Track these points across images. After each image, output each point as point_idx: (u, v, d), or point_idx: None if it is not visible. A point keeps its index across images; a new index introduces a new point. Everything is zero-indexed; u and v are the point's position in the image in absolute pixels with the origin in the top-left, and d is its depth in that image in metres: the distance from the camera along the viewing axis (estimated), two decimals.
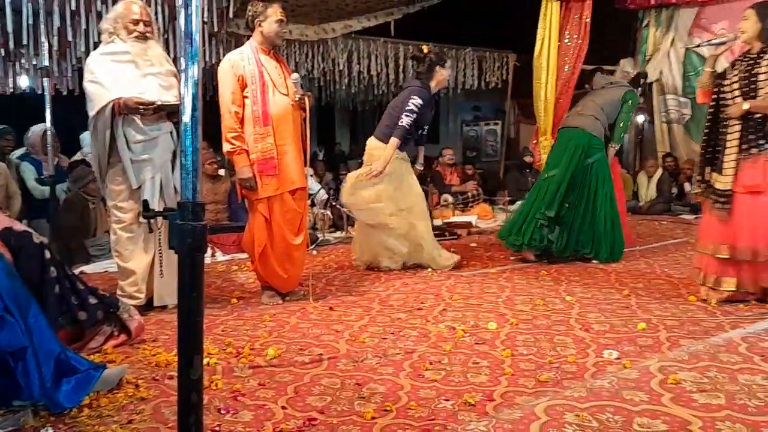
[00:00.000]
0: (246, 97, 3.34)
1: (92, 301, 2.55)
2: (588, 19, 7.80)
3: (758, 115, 3.08)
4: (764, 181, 3.06)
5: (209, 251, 5.03)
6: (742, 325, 2.83)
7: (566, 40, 7.96)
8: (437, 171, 7.96)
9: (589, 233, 4.56)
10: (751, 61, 3.15)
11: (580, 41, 7.91)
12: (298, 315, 3.21)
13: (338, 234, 6.31)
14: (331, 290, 3.81)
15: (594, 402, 2.00)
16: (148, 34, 3.30)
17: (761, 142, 3.08)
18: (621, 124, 4.80)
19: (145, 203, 2.92)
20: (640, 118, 9.43)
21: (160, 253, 3.29)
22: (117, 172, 3.24)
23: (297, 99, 3.42)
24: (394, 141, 4.20)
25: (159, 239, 3.30)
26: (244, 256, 5.04)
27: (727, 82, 3.23)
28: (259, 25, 3.39)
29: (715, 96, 3.28)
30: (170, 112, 3.27)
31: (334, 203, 6.83)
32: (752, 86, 3.11)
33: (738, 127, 3.15)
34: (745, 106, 3.10)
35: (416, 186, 4.46)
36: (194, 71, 1.35)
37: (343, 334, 2.84)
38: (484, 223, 6.99)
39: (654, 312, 3.10)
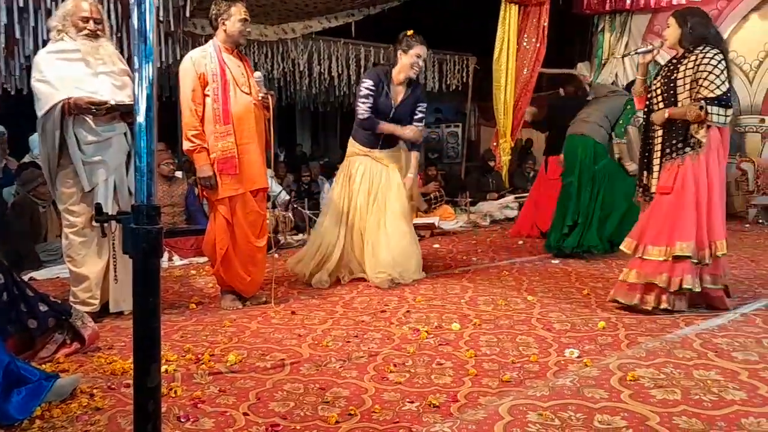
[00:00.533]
0: (207, 95, 3.29)
1: (42, 308, 2.46)
2: (546, 24, 7.97)
3: (680, 121, 3.12)
4: (674, 183, 3.09)
5: (166, 255, 4.91)
6: (696, 321, 2.91)
7: (525, 44, 8.11)
8: None
9: (601, 231, 4.82)
10: (672, 67, 3.20)
11: (538, 45, 8.08)
12: (259, 320, 3.16)
13: (300, 236, 6.25)
14: (293, 294, 3.76)
15: (556, 401, 2.02)
16: (99, 32, 3.20)
17: (680, 146, 3.11)
18: (620, 121, 5.15)
19: (98, 206, 2.78)
20: None
21: (114, 257, 3.18)
22: (68, 175, 3.12)
23: (260, 98, 3.37)
24: (352, 134, 4.21)
25: (113, 243, 3.19)
26: (203, 260, 4.94)
27: (653, 88, 3.28)
28: (223, 23, 3.34)
29: (648, 102, 3.35)
30: (124, 113, 3.17)
31: (295, 205, 6.77)
32: (671, 92, 3.16)
33: (661, 133, 3.22)
34: (666, 113, 3.16)
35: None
36: (149, 71, 1.30)
37: (305, 338, 2.81)
38: (446, 224, 7.04)
39: (613, 311, 3.16)
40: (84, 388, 2.17)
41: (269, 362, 2.48)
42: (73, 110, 3.01)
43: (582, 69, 8.89)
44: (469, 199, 7.63)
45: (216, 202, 3.34)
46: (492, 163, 8.41)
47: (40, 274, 4.40)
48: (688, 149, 3.07)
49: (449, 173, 9.78)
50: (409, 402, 2.04)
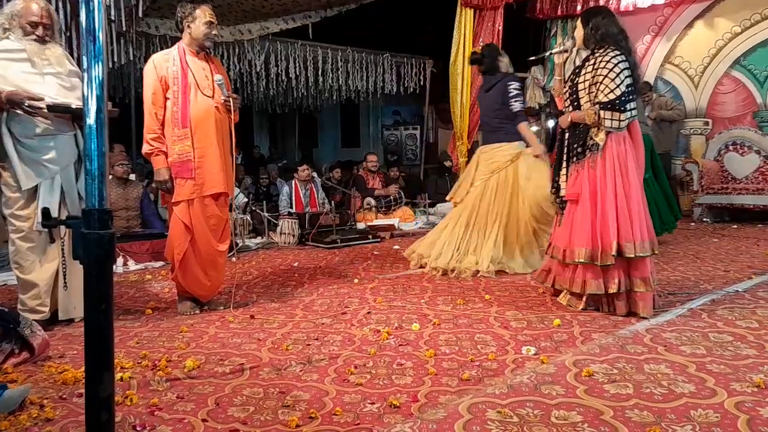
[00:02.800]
0: (168, 98, 3.25)
1: None
2: (500, 27, 8.12)
3: (582, 125, 3.16)
4: (579, 189, 3.14)
5: (120, 260, 4.79)
6: (645, 316, 3.01)
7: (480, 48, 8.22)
8: (359, 175, 7.99)
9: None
10: (578, 70, 3.23)
11: None
12: (217, 324, 3.11)
13: (259, 239, 6.19)
14: (252, 298, 3.72)
15: (514, 398, 2.06)
16: (47, 38, 3.08)
17: (580, 150, 3.17)
18: None
19: (45, 211, 2.70)
20: (550, 123, 9.91)
21: (64, 263, 3.08)
22: (12, 178, 3.00)
23: (222, 101, 3.33)
24: (524, 124, 4.41)
25: (62, 249, 3.09)
26: (159, 264, 4.85)
27: (564, 90, 3.31)
28: (188, 26, 3.30)
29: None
30: (76, 116, 3.07)
31: (254, 208, 6.69)
32: (575, 95, 3.21)
33: (567, 136, 3.27)
34: (569, 117, 3.23)
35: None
36: (98, 71, 1.27)
37: (265, 342, 2.78)
38: (406, 225, 7.09)
39: (568, 308, 3.24)
40: (34, 399, 2.09)
41: (228, 367, 2.45)
42: (4, 105, 2.88)
43: (536, 72, 9.12)
44: (428, 201, 7.70)
45: (173, 205, 3.29)
46: (449, 164, 8.51)
47: None
48: (588, 153, 3.11)
49: (409, 175, 9.85)
50: (370, 403, 2.05)
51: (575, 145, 3.21)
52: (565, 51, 3.38)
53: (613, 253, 2.98)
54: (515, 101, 4.39)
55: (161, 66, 3.25)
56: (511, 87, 4.43)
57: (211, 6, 3.37)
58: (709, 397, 2.02)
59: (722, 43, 7.35)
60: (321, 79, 8.82)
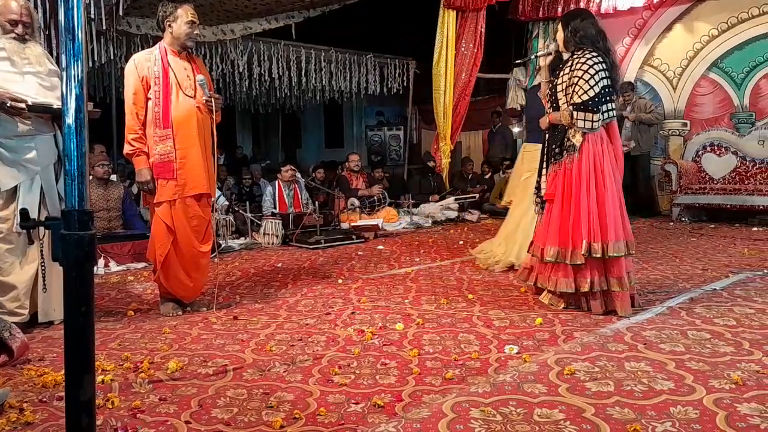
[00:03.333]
0: (150, 98, 3.23)
1: None
2: (483, 29, 8.17)
3: (560, 126, 3.19)
4: (556, 190, 3.19)
5: (102, 261, 4.73)
6: (623, 316, 3.04)
7: (463, 49, 8.29)
8: (343, 176, 7.98)
9: None
10: (559, 72, 3.26)
11: (476, 50, 8.28)
12: (200, 326, 3.09)
13: (242, 240, 6.15)
14: (235, 298, 3.70)
15: (497, 396, 2.08)
16: (26, 36, 3.04)
17: (557, 151, 3.21)
18: None
19: (24, 212, 2.65)
20: (516, 129, 10.08)
21: (43, 265, 3.04)
22: None
23: (204, 101, 3.31)
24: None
25: (41, 250, 3.04)
26: (141, 265, 4.80)
27: (546, 92, 3.35)
28: (169, 26, 3.28)
29: None
30: (56, 116, 3.03)
31: (236, 209, 6.65)
32: (554, 97, 3.25)
33: (547, 137, 3.32)
34: (547, 119, 3.27)
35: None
36: (78, 70, 1.26)
37: (248, 343, 2.77)
38: (390, 225, 7.09)
39: (549, 307, 3.27)
40: (13, 403, 2.06)
41: (211, 368, 2.44)
42: None
43: (517, 74, 9.18)
44: (412, 201, 7.71)
45: (155, 205, 3.27)
46: (432, 165, 8.54)
47: None
48: (565, 153, 3.15)
49: (392, 175, 9.87)
50: (354, 403, 2.05)
51: (553, 146, 3.26)
52: (549, 54, 3.42)
53: (583, 252, 3.02)
54: None
55: (143, 66, 3.22)
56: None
57: (193, 5, 3.35)
58: (688, 394, 2.06)
59: (700, 45, 7.47)
60: (304, 80, 8.80)
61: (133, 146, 3.22)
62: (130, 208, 5.48)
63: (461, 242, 5.95)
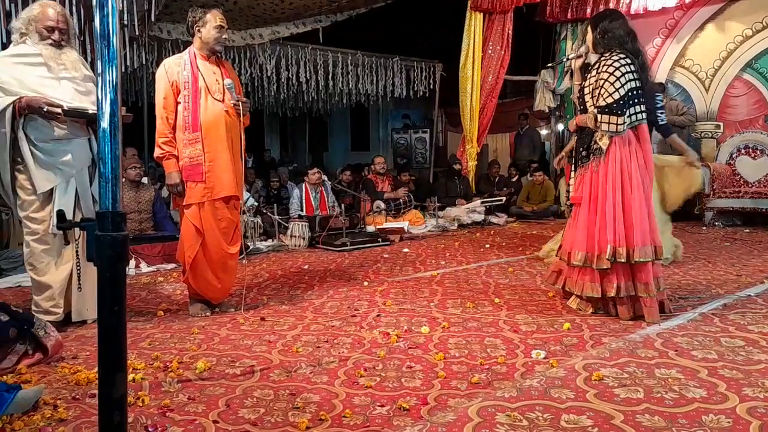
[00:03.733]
0: (179, 102, 3.29)
1: (3, 318, 2.39)
2: (510, 31, 8.12)
3: (587, 129, 3.15)
4: (582, 193, 3.15)
5: (133, 262, 4.83)
6: (651, 322, 2.99)
7: (490, 51, 8.25)
8: (369, 179, 8.00)
9: None
10: (588, 74, 3.21)
11: (503, 52, 8.23)
12: (228, 326, 3.13)
13: (270, 242, 6.21)
14: (262, 300, 3.74)
15: (524, 401, 2.06)
16: (63, 42, 3.13)
17: (584, 154, 3.17)
18: None
19: (60, 213, 2.72)
20: (560, 127, 9.92)
21: (78, 265, 3.12)
22: (26, 181, 3.04)
23: (232, 105, 3.36)
24: (674, 135, 4.55)
25: (77, 251, 3.12)
26: (171, 266, 4.89)
27: (576, 94, 3.31)
28: (198, 31, 3.34)
29: None
30: (91, 121, 3.11)
31: (264, 211, 6.73)
32: (582, 99, 3.20)
33: (574, 141, 3.29)
34: (573, 122, 3.23)
35: None
36: (112, 75, 1.29)
37: (275, 344, 2.79)
38: (415, 228, 7.09)
39: (578, 312, 3.23)
40: (47, 400, 2.12)
41: (239, 369, 2.47)
42: (24, 110, 2.92)
43: (545, 76, 9.10)
44: (438, 204, 7.70)
45: (184, 208, 3.33)
46: (458, 168, 8.51)
47: (1, 283, 4.28)
48: (592, 156, 3.11)
49: (418, 178, 9.87)
50: (379, 406, 2.05)
51: (581, 149, 3.22)
52: (580, 56, 3.38)
53: (608, 257, 2.98)
54: (661, 113, 4.45)
55: (173, 71, 3.29)
56: (658, 99, 4.46)
57: (222, 10, 3.41)
58: (720, 402, 2.01)
59: (733, 46, 7.30)
60: (331, 83, 8.86)
61: (163, 150, 3.29)
62: (160, 210, 5.58)
63: (487, 246, 5.91)
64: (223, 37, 3.38)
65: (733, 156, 7.27)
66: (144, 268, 4.88)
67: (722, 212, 6.99)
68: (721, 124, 7.47)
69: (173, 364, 2.49)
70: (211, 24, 3.31)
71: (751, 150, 7.14)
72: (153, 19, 5.52)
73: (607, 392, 2.12)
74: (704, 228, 6.78)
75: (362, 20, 7.90)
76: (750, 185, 7.03)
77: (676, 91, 7.78)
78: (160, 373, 2.42)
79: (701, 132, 7.62)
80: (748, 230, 6.50)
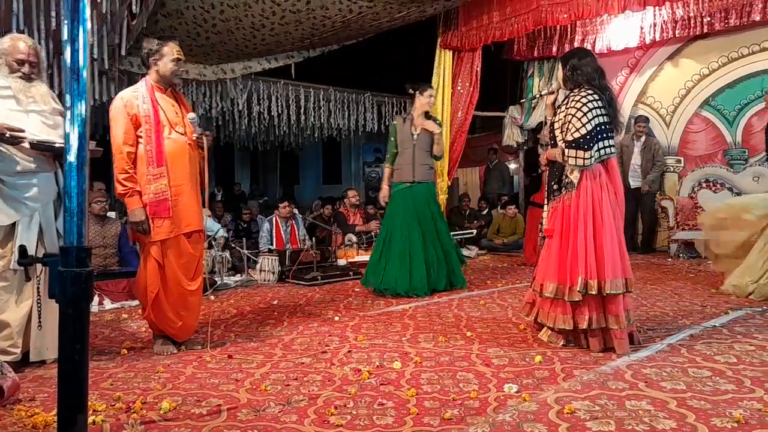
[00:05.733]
0: (140, 136, 3.22)
1: None
2: (479, 69, 8.31)
3: (558, 163, 3.23)
4: (555, 226, 3.21)
5: (96, 299, 4.69)
6: (621, 354, 3.01)
7: (459, 88, 8.42)
8: (340, 212, 8.00)
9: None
10: (558, 110, 3.32)
11: (472, 89, 8.40)
12: (194, 364, 3.05)
13: (238, 277, 6.12)
14: (230, 337, 3.66)
15: None
16: (33, 76, 3.09)
17: (556, 187, 3.25)
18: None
19: (22, 249, 2.64)
20: (513, 166, 10.18)
21: (39, 303, 3.01)
22: None
23: (195, 138, 3.33)
24: None
25: (38, 288, 3.02)
26: (135, 303, 4.76)
27: (547, 130, 3.41)
28: (155, 63, 3.29)
29: None
30: (58, 154, 3.05)
31: (233, 245, 6.64)
32: (553, 134, 3.31)
33: (547, 174, 3.37)
34: (544, 156, 3.32)
35: None
36: (81, 109, 1.28)
37: (243, 382, 2.73)
38: None
39: (549, 344, 3.24)
40: None
41: (205, 409, 2.39)
42: None
43: (513, 112, 9.32)
44: None
45: (148, 244, 3.24)
46: None
47: None
48: (564, 190, 3.19)
49: None
50: None
51: (552, 183, 3.28)
52: (552, 92, 3.50)
53: (579, 289, 3.01)
54: None
55: (131, 104, 3.20)
56: None
57: (178, 42, 3.36)
58: None
59: (691, 84, 7.61)
60: (303, 118, 8.91)
61: (126, 186, 3.17)
62: (126, 245, 5.46)
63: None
64: (180, 69, 3.35)
65: (695, 189, 7.49)
66: (108, 304, 4.75)
67: (687, 244, 7.16)
68: (682, 158, 7.72)
69: (136, 405, 2.40)
70: (168, 57, 3.27)
71: (711, 183, 7.37)
72: (123, 53, 5.50)
73: (579, 425, 2.12)
74: (669, 260, 6.93)
75: (334, 56, 8.01)
76: None
77: None
78: (122, 414, 2.34)
79: (664, 166, 7.85)
80: (711, 262, 6.65)
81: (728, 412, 2.18)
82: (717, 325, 3.60)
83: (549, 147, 3.36)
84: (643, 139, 7.55)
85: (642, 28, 7.68)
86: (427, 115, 5.20)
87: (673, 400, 2.33)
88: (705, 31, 7.17)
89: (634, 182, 7.52)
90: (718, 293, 4.65)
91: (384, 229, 5.25)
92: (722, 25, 6.97)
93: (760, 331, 3.41)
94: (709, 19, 7.07)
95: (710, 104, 7.46)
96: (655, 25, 7.54)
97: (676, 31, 7.38)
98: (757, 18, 6.65)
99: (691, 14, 7.20)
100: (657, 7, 7.18)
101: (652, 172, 7.52)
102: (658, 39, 7.59)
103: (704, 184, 7.42)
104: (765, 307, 4.06)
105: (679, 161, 7.75)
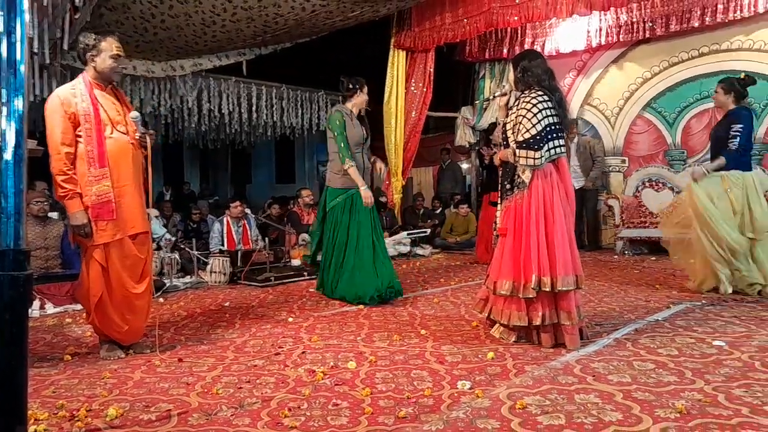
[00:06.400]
0: (79, 136, 3.06)
1: None
2: (432, 69, 8.40)
3: (510, 164, 3.30)
4: (507, 225, 3.29)
5: (37, 303, 4.50)
6: (572, 349, 3.09)
7: (413, 88, 8.48)
8: (294, 211, 7.93)
9: None
10: (510, 111, 3.39)
11: (425, 89, 8.48)
12: (143, 369, 2.96)
13: (188, 279, 5.98)
14: (180, 340, 3.57)
15: None
16: None
17: (508, 187, 3.34)
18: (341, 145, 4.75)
19: None
20: (465, 166, 10.32)
21: None
22: None
23: (138, 137, 3.22)
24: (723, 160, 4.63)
25: None
26: (80, 307, 4.58)
27: (501, 131, 3.48)
28: (92, 59, 3.13)
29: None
30: None
31: (183, 246, 6.49)
32: (505, 135, 3.38)
33: (500, 174, 3.44)
34: (497, 157, 3.40)
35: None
36: (18, 104, 1.22)
37: (194, 386, 2.66)
38: None
39: (500, 341, 3.29)
40: None
41: (154, 414, 2.33)
42: None
43: (465, 112, 9.45)
44: None
45: (90, 247, 3.10)
46: (383, 200, 8.60)
47: None
48: (516, 189, 3.26)
49: None
50: None
51: (505, 183, 3.34)
52: (504, 94, 3.55)
53: (533, 286, 3.08)
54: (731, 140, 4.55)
55: (69, 101, 3.04)
56: (733, 128, 4.56)
57: (119, 38, 3.21)
58: (635, 424, 2.09)
59: (635, 87, 7.89)
60: (255, 116, 8.79)
61: (66, 188, 3.02)
62: (69, 247, 5.26)
63: (414, 276, 5.96)
64: (120, 66, 3.21)
65: (639, 189, 7.77)
66: (50, 309, 4.56)
67: (631, 241, 7.42)
68: (627, 158, 7.99)
69: (81, 413, 2.31)
70: (107, 53, 3.12)
71: (654, 183, 7.66)
72: (66, 47, 5.29)
73: (530, 420, 2.16)
74: (615, 257, 7.16)
75: (287, 54, 7.93)
76: (654, 216, 7.52)
77: (585, 127, 8.28)
78: (66, 423, 2.25)
79: (609, 166, 8.12)
80: (654, 258, 6.92)
81: (671, 403, 2.27)
82: (660, 319, 3.74)
83: (502, 147, 3.42)
84: (576, 140, 7.79)
85: (589, 32, 7.92)
86: (360, 114, 4.90)
87: (619, 393, 2.41)
88: (648, 36, 7.45)
89: (577, 183, 7.74)
90: (662, 288, 4.84)
91: (348, 236, 4.64)
92: (663, 31, 7.26)
93: (700, 324, 3.57)
94: (651, 24, 7.35)
95: (652, 106, 7.75)
96: (601, 29, 7.79)
97: (621, 36, 7.64)
98: (696, 24, 6.95)
99: (635, 19, 7.46)
100: (603, 12, 7.42)
101: (594, 169, 7.75)
102: (603, 43, 7.84)
103: (647, 184, 7.71)
104: (704, 302, 4.24)
105: (623, 161, 8.02)
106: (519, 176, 3.23)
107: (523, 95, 3.27)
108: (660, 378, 2.58)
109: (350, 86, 4.87)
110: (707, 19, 6.83)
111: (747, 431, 1.99)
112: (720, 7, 6.71)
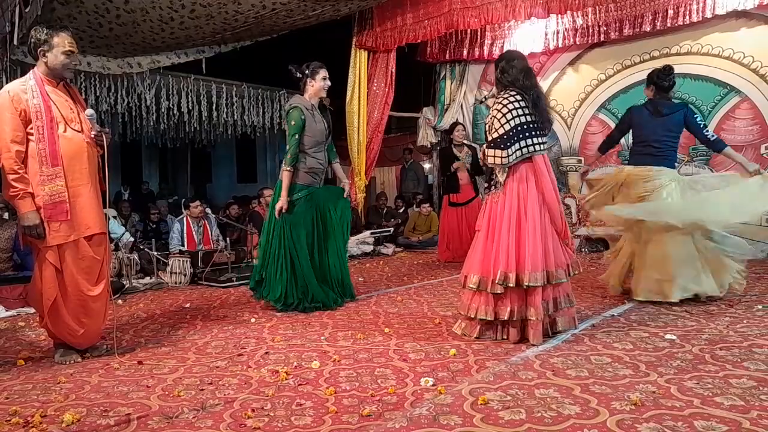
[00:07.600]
0: (30, 134, 2.96)
1: None
2: (393, 70, 8.43)
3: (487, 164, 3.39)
4: (481, 221, 3.38)
5: None
6: (535, 344, 3.17)
7: (374, 88, 8.49)
8: (256, 211, 7.84)
9: None
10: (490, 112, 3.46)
11: (387, 89, 8.51)
12: (100, 372, 2.89)
13: (147, 280, 5.85)
14: (139, 342, 3.50)
15: (414, 431, 2.08)
16: None
17: (486, 186, 3.45)
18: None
19: None
20: (427, 165, 10.40)
21: None
22: None
23: (93, 136, 3.14)
24: (729, 148, 4.38)
25: None
26: (33, 310, 4.44)
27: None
28: (44, 55, 3.03)
29: None
30: None
31: (141, 246, 6.35)
32: (484, 135, 3.46)
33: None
34: (480, 154, 3.49)
35: None
36: None
37: (154, 389, 2.62)
38: None
39: (463, 337, 3.34)
40: None
41: (113, 419, 2.28)
42: None
43: (427, 113, 9.52)
44: None
45: (44, 249, 3.00)
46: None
47: None
48: (493, 188, 3.34)
49: None
50: None
51: (485, 182, 3.42)
52: (494, 96, 3.60)
53: (498, 281, 3.14)
54: (706, 131, 4.35)
55: (19, 98, 2.95)
56: (697, 118, 4.35)
57: (72, 33, 3.11)
58: (593, 417, 2.16)
59: (590, 88, 8.09)
60: (215, 114, 8.66)
61: (16, 188, 2.92)
62: (22, 248, 5.09)
63: (377, 275, 5.98)
64: (73, 62, 3.12)
65: None
66: (1, 312, 4.40)
67: (588, 239, 7.60)
68: (582, 158, 8.19)
69: (35, 419, 2.24)
70: (59, 48, 3.02)
71: None
72: (16, 42, 5.11)
73: (492, 415, 2.20)
74: (574, 255, 7.32)
75: (248, 52, 7.83)
76: None
77: None
78: (19, 429, 2.18)
79: (566, 166, 8.31)
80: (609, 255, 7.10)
81: (626, 396, 2.34)
82: (615, 314, 3.85)
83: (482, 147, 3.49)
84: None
85: (546, 34, 8.07)
86: (322, 103, 4.65)
87: (577, 387, 2.48)
88: (602, 39, 7.65)
89: None
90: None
91: (303, 240, 4.43)
92: (617, 35, 7.46)
93: (653, 319, 3.69)
94: (605, 28, 7.54)
95: (606, 108, 7.95)
96: (557, 32, 7.96)
97: (577, 39, 7.82)
98: (648, 29, 7.16)
99: (590, 23, 7.65)
100: (559, 15, 7.58)
101: None
102: (560, 45, 8.01)
103: None
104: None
105: (580, 161, 8.22)
106: (496, 176, 3.31)
107: (498, 96, 3.33)
108: (616, 372, 2.67)
109: (299, 75, 4.63)
110: (658, 23, 7.05)
111: (699, 421, 2.08)
112: (670, 12, 6.94)
